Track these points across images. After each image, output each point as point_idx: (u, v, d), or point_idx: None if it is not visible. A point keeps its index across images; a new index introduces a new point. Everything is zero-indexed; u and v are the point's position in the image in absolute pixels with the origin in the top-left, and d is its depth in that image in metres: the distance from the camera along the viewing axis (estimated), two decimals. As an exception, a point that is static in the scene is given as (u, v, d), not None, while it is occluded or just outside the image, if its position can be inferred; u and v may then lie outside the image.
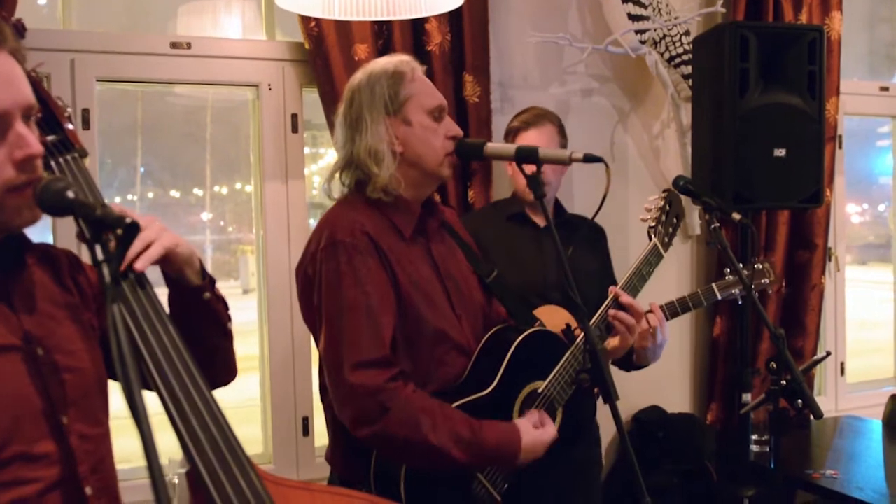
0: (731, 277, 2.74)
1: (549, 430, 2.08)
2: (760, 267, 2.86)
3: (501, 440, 1.98)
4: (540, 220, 2.92)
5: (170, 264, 1.40)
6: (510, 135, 2.95)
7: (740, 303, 2.88)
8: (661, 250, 2.50)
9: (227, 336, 1.58)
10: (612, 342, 2.37)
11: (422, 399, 1.95)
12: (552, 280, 2.81)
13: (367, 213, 2.05)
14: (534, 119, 2.91)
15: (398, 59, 2.13)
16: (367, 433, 1.91)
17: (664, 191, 2.61)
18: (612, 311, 2.34)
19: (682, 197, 2.56)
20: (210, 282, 1.50)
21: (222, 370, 1.61)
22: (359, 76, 2.12)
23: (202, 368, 1.46)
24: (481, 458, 1.97)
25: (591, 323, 2.24)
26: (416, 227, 2.12)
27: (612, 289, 2.38)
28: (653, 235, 2.51)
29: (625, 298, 2.36)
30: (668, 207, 2.54)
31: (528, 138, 2.85)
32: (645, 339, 2.41)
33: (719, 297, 2.75)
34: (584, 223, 2.96)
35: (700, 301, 2.72)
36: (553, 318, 2.48)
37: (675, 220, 2.55)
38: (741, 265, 2.73)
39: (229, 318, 1.58)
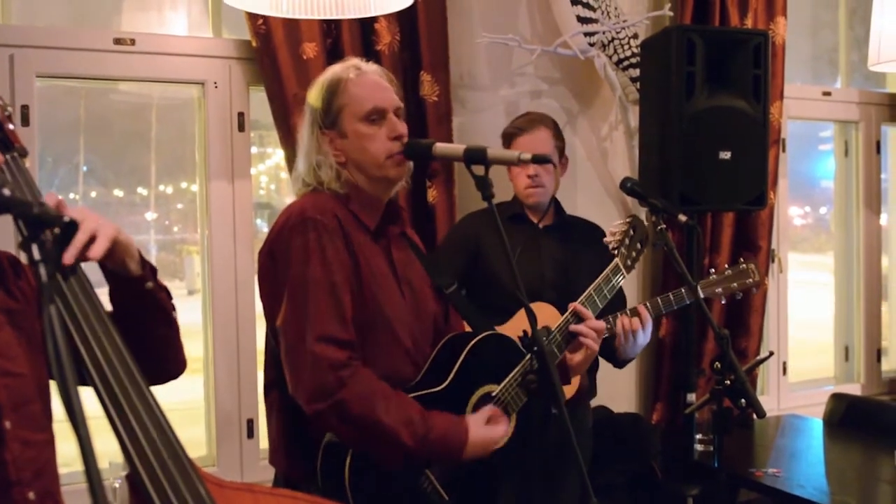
0: (714, 277, 2.84)
1: (499, 429, 2.10)
2: (745, 267, 2.89)
3: (449, 430, 2.01)
4: (539, 221, 2.98)
5: (112, 256, 1.36)
6: (504, 140, 2.99)
7: (723, 301, 2.95)
8: (623, 270, 2.54)
9: (174, 325, 1.57)
10: (577, 357, 2.35)
11: (378, 381, 1.98)
12: (549, 279, 2.89)
13: (334, 202, 2.07)
14: (527, 124, 2.97)
15: (340, 67, 2.16)
16: (323, 407, 1.91)
17: (629, 216, 2.66)
18: (573, 326, 2.34)
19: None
20: (151, 270, 1.48)
21: (172, 362, 1.60)
22: (310, 91, 2.17)
23: (153, 362, 1.44)
24: (428, 444, 1.98)
25: (550, 335, 2.29)
26: (379, 225, 2.14)
27: (571, 305, 2.39)
28: (615, 255, 2.54)
29: (583, 312, 2.36)
30: (632, 232, 2.59)
31: (523, 143, 2.90)
32: (626, 339, 2.60)
33: (702, 297, 2.81)
34: (582, 224, 3.08)
35: (682, 299, 2.79)
36: (541, 314, 2.48)
37: (639, 245, 2.60)
38: (726, 266, 2.86)
39: (173, 308, 1.56)
